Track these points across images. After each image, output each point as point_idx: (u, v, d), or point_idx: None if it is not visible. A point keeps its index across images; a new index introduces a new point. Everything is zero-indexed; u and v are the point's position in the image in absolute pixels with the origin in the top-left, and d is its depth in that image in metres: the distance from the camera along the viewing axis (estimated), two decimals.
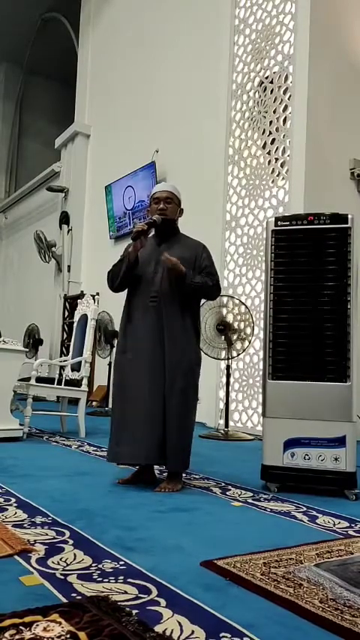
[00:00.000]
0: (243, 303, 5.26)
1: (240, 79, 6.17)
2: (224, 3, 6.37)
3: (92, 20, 10.01)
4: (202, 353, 3.03)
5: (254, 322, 5.23)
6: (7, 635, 1.12)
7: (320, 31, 5.39)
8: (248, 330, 5.16)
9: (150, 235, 2.92)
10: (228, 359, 5.22)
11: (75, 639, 1.11)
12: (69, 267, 9.37)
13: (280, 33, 5.72)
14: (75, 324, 5.23)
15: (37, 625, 1.17)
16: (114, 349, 6.95)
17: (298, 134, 5.30)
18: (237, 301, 5.27)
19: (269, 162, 5.72)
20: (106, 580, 1.46)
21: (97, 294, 7.82)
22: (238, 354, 5.25)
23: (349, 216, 2.82)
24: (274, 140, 5.67)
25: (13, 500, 2.34)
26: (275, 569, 1.60)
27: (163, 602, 1.34)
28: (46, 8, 12.33)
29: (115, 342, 6.97)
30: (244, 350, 5.21)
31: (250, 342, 5.25)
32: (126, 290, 2.95)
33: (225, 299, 5.26)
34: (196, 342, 2.89)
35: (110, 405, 2.91)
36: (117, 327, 6.89)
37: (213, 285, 2.87)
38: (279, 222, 2.92)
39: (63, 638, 1.11)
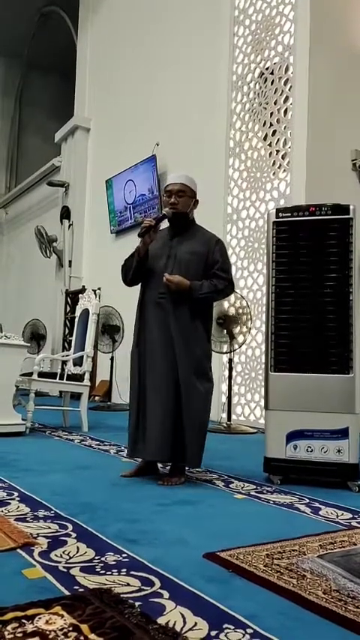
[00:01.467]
0: (243, 297, 5.24)
1: (240, 70, 6.13)
2: None
3: (91, 13, 9.95)
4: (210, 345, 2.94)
5: (252, 316, 5.20)
6: (9, 628, 1.12)
7: (320, 22, 5.35)
8: (250, 324, 5.14)
9: (163, 227, 2.89)
10: (229, 352, 5.21)
11: (77, 632, 1.11)
12: (70, 262, 9.35)
13: (280, 23, 5.67)
14: (76, 319, 5.23)
15: (40, 618, 1.16)
16: (116, 344, 6.96)
17: (299, 125, 5.27)
18: (238, 295, 5.25)
19: (270, 154, 5.69)
20: (109, 572, 1.46)
21: (99, 288, 7.83)
22: (240, 346, 5.24)
23: (351, 207, 2.80)
24: (274, 132, 5.64)
25: (16, 494, 2.34)
26: (278, 561, 1.59)
27: (166, 594, 1.33)
28: (45, 2, 12.26)
29: (117, 336, 6.97)
30: (241, 344, 5.20)
31: (251, 336, 5.23)
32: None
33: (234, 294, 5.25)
34: (206, 339, 2.84)
35: (129, 400, 2.90)
36: (119, 322, 6.93)
37: (224, 287, 2.82)
38: (280, 214, 2.90)
39: (65, 630, 1.11)
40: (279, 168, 5.58)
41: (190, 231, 2.88)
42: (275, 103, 5.63)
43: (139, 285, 2.93)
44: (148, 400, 2.74)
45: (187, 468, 2.86)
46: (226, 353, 5.26)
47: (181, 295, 2.73)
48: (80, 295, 5.55)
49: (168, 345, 2.72)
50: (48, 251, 9.64)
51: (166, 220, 2.85)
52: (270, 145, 5.69)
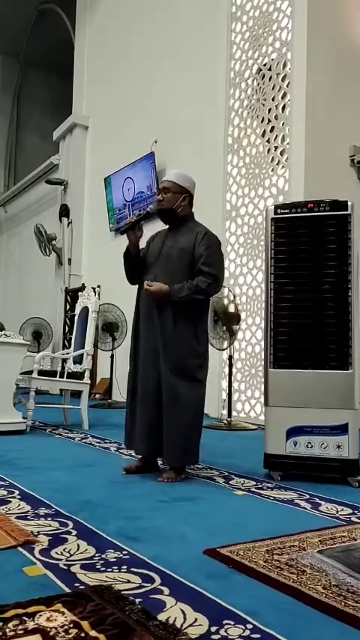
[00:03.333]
0: (235, 296, 5.24)
1: (238, 66, 6.11)
2: None
3: (88, 11, 9.92)
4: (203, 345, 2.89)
5: (239, 312, 5.21)
6: (10, 625, 1.12)
7: (318, 17, 5.33)
8: (240, 323, 5.15)
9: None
10: (227, 349, 5.22)
11: (78, 629, 1.11)
12: (69, 260, 9.35)
13: (278, 19, 5.66)
14: (76, 317, 5.23)
15: (41, 615, 1.17)
16: (116, 341, 6.97)
17: (298, 122, 5.26)
18: (233, 291, 5.26)
19: (269, 150, 5.68)
20: (110, 570, 1.47)
21: (99, 286, 7.83)
22: (233, 343, 5.25)
23: (349, 203, 2.79)
24: (273, 128, 5.63)
25: (17, 492, 2.35)
26: (278, 557, 1.60)
27: (166, 590, 1.34)
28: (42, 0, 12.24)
29: (117, 334, 6.98)
30: (231, 343, 5.21)
31: (250, 332, 5.23)
32: None
33: (225, 290, 5.25)
34: (194, 337, 2.75)
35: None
36: (118, 320, 6.93)
37: (206, 287, 2.69)
38: (279, 210, 2.90)
39: (66, 627, 1.12)
40: (277, 164, 5.57)
41: (183, 227, 2.86)
42: (273, 100, 5.62)
43: None
44: (137, 396, 2.81)
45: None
46: (225, 349, 5.27)
47: (164, 282, 2.72)
48: (80, 293, 5.55)
49: (152, 343, 2.75)
50: (47, 249, 9.64)
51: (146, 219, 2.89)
52: (268, 141, 5.68)
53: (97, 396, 7.70)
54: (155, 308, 2.75)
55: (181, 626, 1.15)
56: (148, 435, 2.72)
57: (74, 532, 1.80)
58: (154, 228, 3.05)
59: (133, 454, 3.28)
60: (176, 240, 2.84)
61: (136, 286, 2.98)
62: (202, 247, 2.75)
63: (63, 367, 5.16)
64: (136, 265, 2.91)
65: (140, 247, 2.94)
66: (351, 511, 2.18)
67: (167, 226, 2.95)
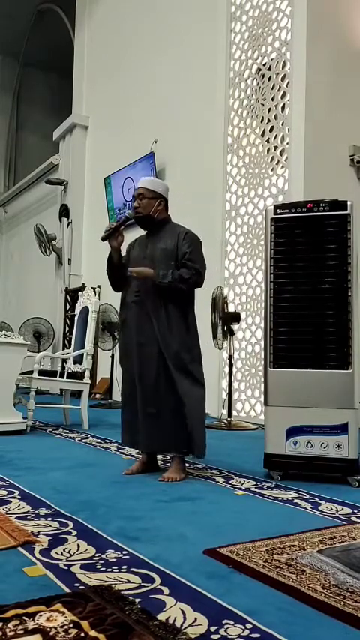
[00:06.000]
0: (227, 303, 5.26)
1: (237, 66, 6.12)
2: None
3: (88, 10, 9.92)
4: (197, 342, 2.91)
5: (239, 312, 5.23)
6: (10, 625, 1.13)
7: (317, 17, 5.34)
8: (248, 321, 5.15)
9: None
10: (221, 348, 5.22)
11: (78, 628, 1.12)
12: (69, 260, 9.35)
13: (277, 19, 5.66)
14: (76, 317, 5.23)
15: (41, 615, 1.17)
16: (116, 341, 6.97)
17: (297, 121, 5.26)
18: (234, 291, 5.26)
19: (268, 150, 5.69)
20: (110, 569, 1.47)
21: (99, 286, 7.83)
22: (233, 343, 5.25)
23: (349, 203, 2.80)
24: (272, 128, 5.63)
25: (17, 492, 2.35)
26: (278, 556, 1.60)
27: (166, 590, 1.34)
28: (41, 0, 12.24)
29: (117, 334, 6.99)
30: (227, 340, 5.23)
31: (250, 332, 5.23)
32: None
33: (225, 290, 5.26)
34: (186, 333, 2.81)
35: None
36: (118, 319, 6.94)
37: (189, 277, 2.75)
38: (278, 210, 2.90)
39: (66, 627, 1.12)
40: (277, 164, 5.57)
41: (162, 229, 2.91)
42: (273, 99, 5.62)
43: None
44: (137, 396, 2.82)
45: (187, 464, 2.87)
46: (223, 349, 5.28)
47: (148, 285, 2.76)
48: (80, 293, 5.56)
49: (144, 342, 2.77)
50: (47, 249, 9.65)
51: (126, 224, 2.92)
52: (268, 141, 5.69)
53: (98, 396, 7.70)
54: (149, 307, 2.78)
55: (181, 625, 1.16)
56: (148, 433, 2.74)
57: (74, 532, 1.80)
58: (135, 233, 3.06)
59: (134, 454, 3.29)
60: (158, 242, 2.88)
61: None
62: (184, 246, 2.82)
63: (63, 367, 5.17)
64: (119, 272, 2.94)
65: (122, 254, 2.98)
66: (351, 511, 2.19)
67: (145, 232, 2.99)
